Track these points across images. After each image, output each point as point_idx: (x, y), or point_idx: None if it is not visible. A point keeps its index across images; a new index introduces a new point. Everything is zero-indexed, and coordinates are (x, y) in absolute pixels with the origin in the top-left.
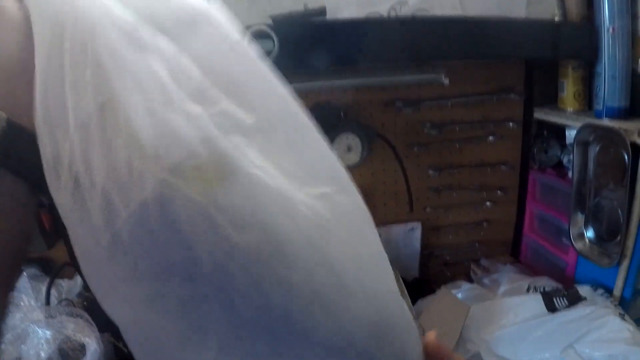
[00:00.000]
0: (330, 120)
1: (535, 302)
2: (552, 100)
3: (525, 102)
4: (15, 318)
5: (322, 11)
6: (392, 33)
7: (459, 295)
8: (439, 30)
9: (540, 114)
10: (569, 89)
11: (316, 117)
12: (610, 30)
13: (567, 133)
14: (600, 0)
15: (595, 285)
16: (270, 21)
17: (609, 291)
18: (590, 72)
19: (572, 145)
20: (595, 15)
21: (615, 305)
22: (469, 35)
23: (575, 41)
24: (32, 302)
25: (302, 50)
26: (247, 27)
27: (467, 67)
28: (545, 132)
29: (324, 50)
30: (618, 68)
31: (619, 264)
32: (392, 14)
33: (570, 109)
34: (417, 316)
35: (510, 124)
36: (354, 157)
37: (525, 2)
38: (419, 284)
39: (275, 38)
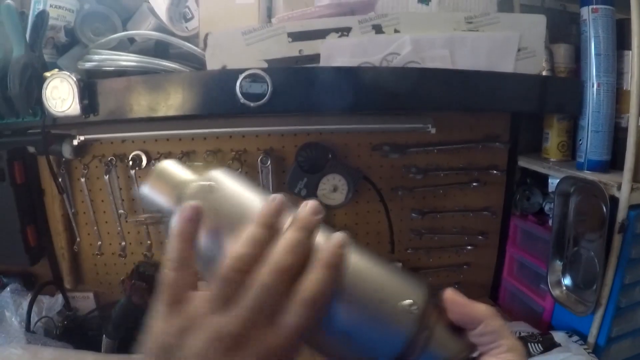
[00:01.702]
0: (319, 160)
1: None
2: (536, 149)
3: (510, 151)
4: None
5: (315, 58)
6: (383, 82)
7: None
8: (429, 82)
9: (524, 162)
10: (553, 140)
11: (305, 157)
12: (596, 85)
13: (549, 181)
14: (587, 57)
15: (571, 331)
16: (264, 64)
17: (583, 338)
18: (575, 124)
19: (553, 193)
20: (582, 70)
21: (589, 353)
22: (457, 87)
23: (561, 95)
24: (14, 320)
25: (295, 94)
26: (242, 70)
27: (454, 116)
28: (528, 180)
29: (315, 95)
30: (601, 122)
31: (594, 312)
32: (384, 64)
33: (553, 159)
34: None
35: (494, 171)
36: (340, 197)
37: (514, 57)
38: None
39: (269, 82)
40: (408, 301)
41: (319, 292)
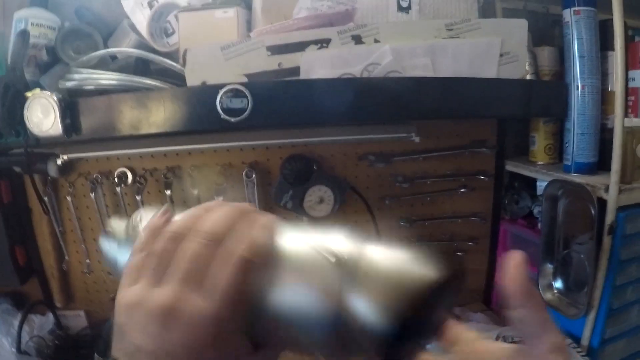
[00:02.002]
0: (304, 172)
1: None
2: (523, 152)
3: (497, 155)
4: None
5: (295, 71)
6: (364, 93)
7: None
8: (411, 91)
9: (511, 167)
10: (539, 143)
11: (290, 169)
12: (581, 87)
13: (537, 184)
14: (571, 59)
15: (564, 334)
16: (244, 79)
17: (577, 341)
18: (561, 126)
19: (542, 196)
20: (566, 73)
21: (582, 356)
22: (441, 95)
23: (546, 99)
24: (5, 341)
25: (276, 107)
26: (222, 86)
27: (440, 123)
28: (516, 184)
29: (297, 108)
30: (587, 124)
31: (586, 314)
32: (365, 74)
33: (540, 162)
34: None
35: (482, 176)
36: (326, 208)
37: (497, 62)
38: None
39: (249, 96)
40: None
41: (240, 250)
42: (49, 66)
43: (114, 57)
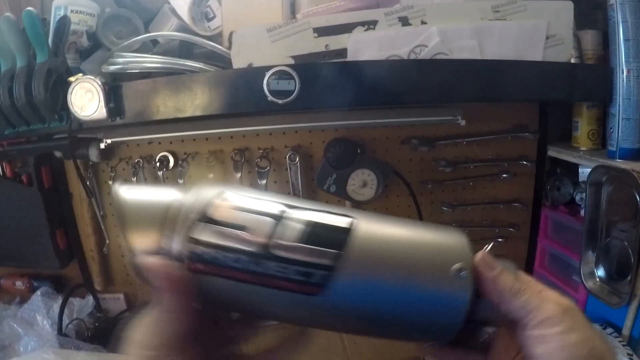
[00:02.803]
0: (348, 156)
1: None
2: (566, 138)
3: (539, 141)
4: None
5: (342, 52)
6: (411, 75)
7: None
8: (457, 73)
9: (553, 152)
10: (583, 128)
11: (333, 153)
12: (626, 71)
13: (580, 171)
14: (616, 43)
15: (605, 323)
16: (290, 61)
17: (618, 330)
18: (605, 112)
19: (584, 183)
20: (611, 56)
21: (623, 345)
22: (487, 78)
23: (590, 83)
24: (46, 323)
25: (324, 89)
26: (269, 68)
27: (482, 107)
28: (558, 170)
29: (344, 90)
30: (632, 109)
31: (628, 303)
32: (412, 56)
33: (583, 148)
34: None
35: (524, 162)
36: (369, 192)
37: (543, 46)
38: None
39: (297, 78)
40: (456, 266)
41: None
42: (89, 52)
43: (155, 42)
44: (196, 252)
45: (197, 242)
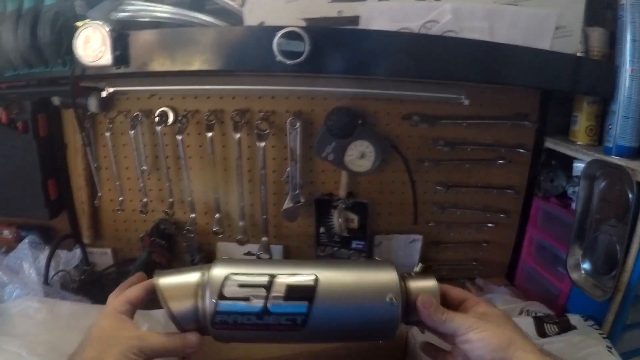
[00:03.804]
0: (348, 125)
1: (527, 325)
2: (563, 131)
3: (537, 131)
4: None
5: (355, 20)
6: (421, 50)
7: None
8: (466, 53)
9: (550, 144)
10: (581, 123)
11: (335, 121)
12: (630, 71)
13: (574, 165)
14: (622, 41)
15: (586, 315)
16: (302, 23)
17: (598, 323)
18: (605, 109)
19: (578, 177)
20: (617, 55)
21: (603, 338)
22: (493, 60)
23: (594, 78)
24: (32, 272)
25: (333, 54)
26: (281, 28)
27: (485, 91)
28: (553, 162)
29: (353, 57)
30: (632, 108)
31: (611, 298)
32: (423, 31)
33: (580, 142)
34: (410, 329)
35: (521, 150)
36: (367, 164)
37: (551, 35)
38: None
39: (307, 41)
40: (389, 296)
41: None
42: (96, 1)
43: None
44: (220, 320)
45: (220, 313)
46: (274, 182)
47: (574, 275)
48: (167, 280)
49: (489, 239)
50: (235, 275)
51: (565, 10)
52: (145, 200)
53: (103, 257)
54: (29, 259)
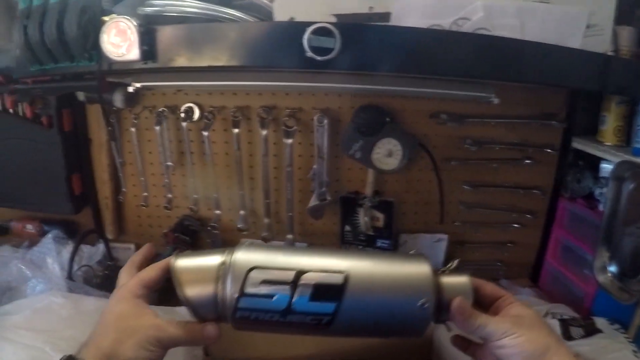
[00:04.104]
0: (376, 123)
1: (552, 328)
2: (591, 131)
3: (565, 131)
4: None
5: (386, 16)
6: (452, 47)
7: None
8: (497, 50)
9: (578, 144)
10: (610, 123)
11: (363, 119)
12: None
13: (601, 166)
14: None
15: (612, 319)
16: (333, 19)
17: (624, 327)
18: (633, 109)
19: (605, 178)
20: None
21: (629, 342)
22: (525, 59)
23: (624, 77)
24: (56, 266)
25: (364, 51)
26: (311, 23)
27: (514, 90)
28: (580, 162)
29: (384, 54)
30: None
31: (638, 301)
32: (454, 28)
33: (608, 143)
34: (436, 329)
35: (548, 150)
36: (394, 162)
37: (583, 33)
38: None
39: (338, 37)
40: (421, 301)
41: None
42: None
43: None
44: (241, 315)
45: (241, 309)
46: (299, 180)
47: (601, 278)
48: (185, 263)
49: (514, 239)
50: (259, 270)
51: (596, 8)
52: (169, 196)
53: (126, 253)
54: (52, 253)
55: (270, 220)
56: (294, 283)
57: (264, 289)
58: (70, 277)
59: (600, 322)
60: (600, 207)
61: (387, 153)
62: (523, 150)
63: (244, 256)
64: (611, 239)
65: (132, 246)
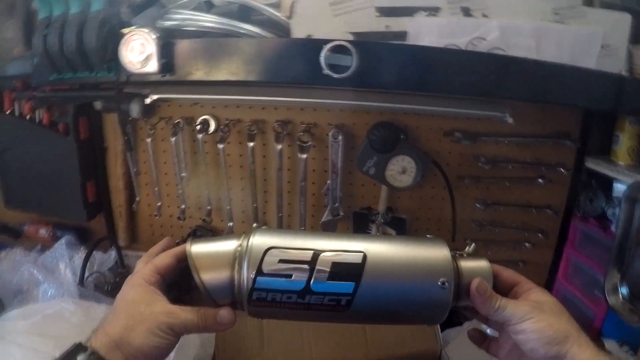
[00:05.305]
0: (390, 140)
1: None
2: (604, 151)
3: (578, 150)
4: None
5: (402, 35)
6: (468, 66)
7: (488, 331)
8: (512, 70)
9: (591, 164)
10: (623, 143)
11: (377, 135)
12: None
13: (614, 186)
14: None
15: (621, 341)
16: (350, 37)
17: (634, 349)
18: None
19: (618, 198)
20: None
21: None
22: (540, 79)
23: (638, 97)
24: (68, 272)
25: (379, 69)
26: (329, 41)
27: (527, 108)
28: (593, 182)
29: (400, 72)
30: None
31: None
32: (470, 48)
33: (622, 163)
34: (444, 345)
35: (561, 169)
36: (407, 179)
37: (597, 53)
38: (449, 314)
39: (354, 55)
40: (441, 280)
41: None
42: (141, 8)
43: (209, 5)
44: (257, 296)
45: (258, 290)
46: (313, 194)
47: (612, 299)
48: (200, 248)
49: (525, 258)
50: (276, 250)
51: (610, 29)
52: (183, 206)
53: (138, 260)
54: (65, 259)
55: None
56: (313, 262)
57: (282, 267)
58: (81, 283)
59: (609, 343)
60: (613, 228)
61: (401, 170)
62: (536, 169)
63: (261, 238)
64: (623, 260)
65: (143, 254)
